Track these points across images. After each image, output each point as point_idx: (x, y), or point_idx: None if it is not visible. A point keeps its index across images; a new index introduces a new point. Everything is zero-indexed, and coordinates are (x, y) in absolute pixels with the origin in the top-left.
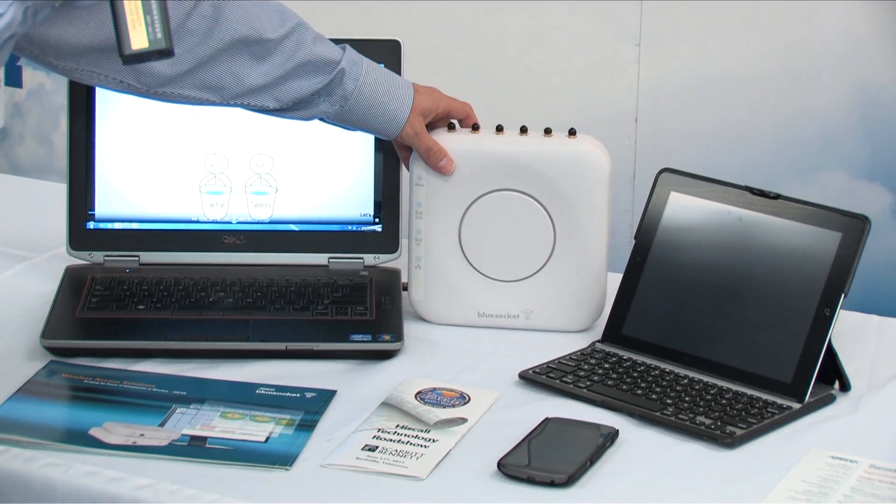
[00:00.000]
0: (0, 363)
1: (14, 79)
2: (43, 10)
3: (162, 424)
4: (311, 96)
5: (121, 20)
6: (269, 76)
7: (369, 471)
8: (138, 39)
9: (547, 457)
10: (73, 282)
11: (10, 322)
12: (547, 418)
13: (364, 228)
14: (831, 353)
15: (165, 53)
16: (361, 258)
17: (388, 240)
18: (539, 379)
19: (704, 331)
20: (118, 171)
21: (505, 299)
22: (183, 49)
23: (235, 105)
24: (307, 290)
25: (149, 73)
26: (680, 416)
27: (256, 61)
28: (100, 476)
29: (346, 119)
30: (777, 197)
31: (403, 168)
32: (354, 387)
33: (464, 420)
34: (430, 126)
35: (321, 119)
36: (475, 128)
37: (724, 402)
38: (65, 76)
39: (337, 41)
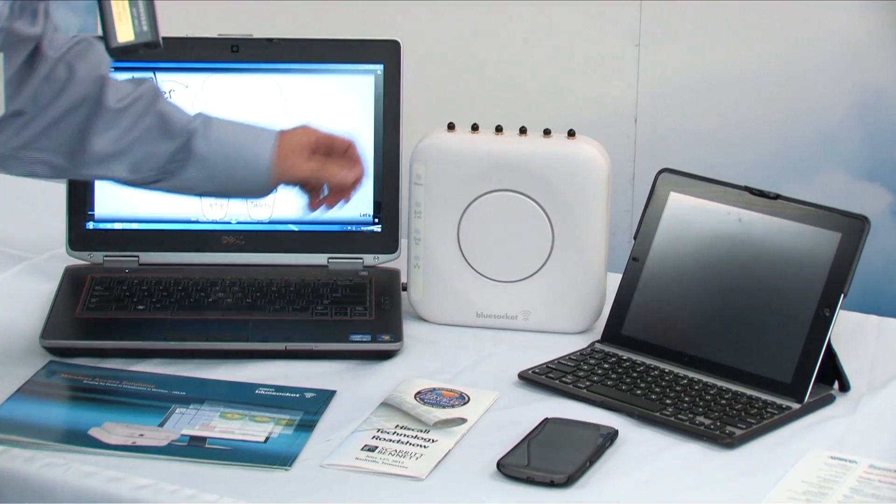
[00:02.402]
0: (0, 363)
1: None
2: (28, 8)
3: (161, 425)
4: (170, 164)
5: (107, 14)
6: (120, 142)
7: (369, 471)
8: (124, 32)
9: (546, 457)
10: (73, 282)
11: (10, 322)
12: (546, 418)
13: (363, 229)
14: (831, 353)
15: (152, 46)
16: (361, 258)
17: (387, 240)
18: (538, 379)
19: (704, 331)
20: None
21: (503, 300)
22: (34, 111)
23: (91, 177)
24: (307, 290)
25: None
26: (679, 416)
27: (105, 128)
28: (99, 476)
29: (216, 179)
30: (777, 197)
31: (403, 168)
32: (354, 387)
33: (463, 420)
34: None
35: (208, 195)
36: (475, 128)
37: (723, 402)
38: None
39: (337, 41)
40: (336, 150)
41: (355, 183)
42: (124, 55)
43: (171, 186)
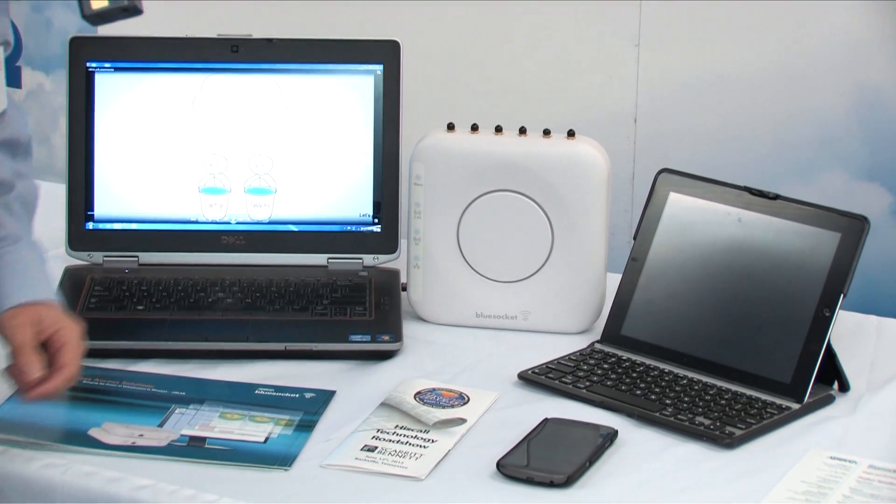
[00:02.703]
0: (0, 363)
1: (13, 79)
2: None
3: (161, 425)
4: None
5: None
6: None
7: (368, 471)
8: None
9: (546, 457)
10: (73, 282)
11: None
12: (546, 418)
13: (363, 229)
14: (830, 353)
15: (131, 11)
16: (361, 258)
17: (387, 240)
18: (538, 379)
19: (704, 331)
20: (117, 171)
21: (502, 300)
22: None
23: None
24: (306, 290)
25: None
26: (679, 416)
27: None
28: (99, 476)
29: None
30: (776, 197)
31: (403, 168)
32: (354, 387)
33: (463, 420)
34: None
35: None
36: (474, 128)
37: (723, 402)
38: None
39: (337, 41)
40: (58, 363)
41: (30, 388)
42: (101, 21)
43: None
